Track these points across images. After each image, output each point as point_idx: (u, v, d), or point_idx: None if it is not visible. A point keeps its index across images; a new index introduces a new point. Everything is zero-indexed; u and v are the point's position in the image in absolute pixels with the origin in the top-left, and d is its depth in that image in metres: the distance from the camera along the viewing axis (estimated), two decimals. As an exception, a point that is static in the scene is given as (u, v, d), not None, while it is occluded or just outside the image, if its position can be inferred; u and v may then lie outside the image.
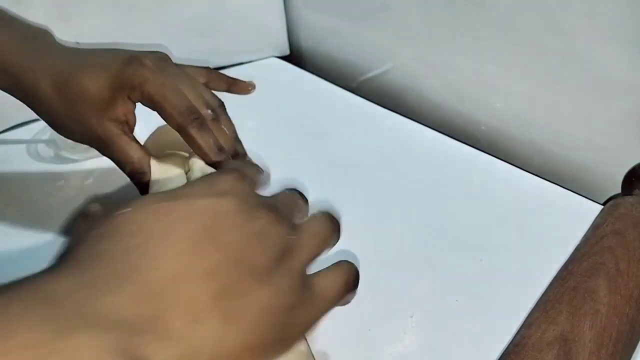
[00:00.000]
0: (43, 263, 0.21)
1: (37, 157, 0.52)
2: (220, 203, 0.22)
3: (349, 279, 0.26)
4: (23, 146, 0.53)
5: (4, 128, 0.55)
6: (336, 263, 0.26)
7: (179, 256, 0.20)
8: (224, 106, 0.39)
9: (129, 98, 0.35)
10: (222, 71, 0.43)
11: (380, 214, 0.46)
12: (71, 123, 0.36)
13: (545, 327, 0.33)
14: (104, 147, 0.36)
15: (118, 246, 0.20)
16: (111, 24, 0.59)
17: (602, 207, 0.44)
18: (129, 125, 0.37)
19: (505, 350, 0.34)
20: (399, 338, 0.36)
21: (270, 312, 0.22)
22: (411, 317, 0.38)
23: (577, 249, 0.40)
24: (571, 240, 0.41)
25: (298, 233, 0.24)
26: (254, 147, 0.55)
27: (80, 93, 0.35)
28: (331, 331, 0.36)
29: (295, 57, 0.73)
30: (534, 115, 0.53)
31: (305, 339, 0.32)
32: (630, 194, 0.43)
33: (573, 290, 0.35)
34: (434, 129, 0.56)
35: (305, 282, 0.24)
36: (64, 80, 0.36)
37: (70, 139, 0.39)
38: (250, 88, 0.43)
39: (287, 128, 0.58)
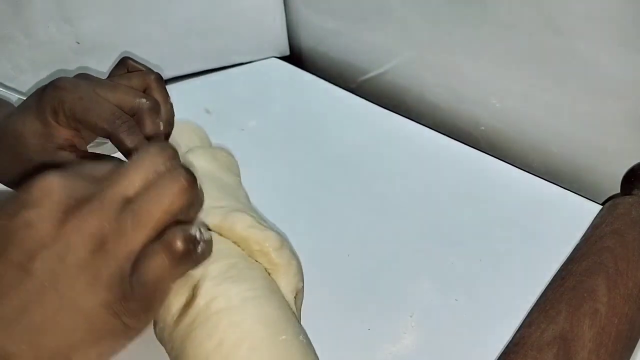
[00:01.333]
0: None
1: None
2: (16, 219, 0.22)
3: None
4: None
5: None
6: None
7: None
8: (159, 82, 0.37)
9: (58, 123, 0.34)
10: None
11: (380, 214, 0.46)
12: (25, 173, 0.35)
13: (544, 327, 0.33)
14: None
15: None
16: (111, 24, 0.59)
17: (602, 207, 0.44)
18: (77, 148, 0.36)
19: (504, 350, 0.34)
20: (399, 337, 0.36)
21: (88, 313, 0.22)
22: (411, 316, 0.38)
23: (577, 248, 0.40)
24: (570, 240, 0.41)
25: (123, 215, 0.23)
26: (254, 146, 0.55)
27: (18, 138, 0.35)
28: (331, 330, 0.36)
29: (295, 57, 0.73)
30: (533, 116, 0.53)
31: (305, 332, 0.32)
32: (630, 194, 0.43)
33: (572, 289, 0.35)
34: (433, 129, 0.56)
35: (127, 272, 0.23)
36: (1, 135, 0.35)
37: None
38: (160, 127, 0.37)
39: (287, 128, 0.58)
